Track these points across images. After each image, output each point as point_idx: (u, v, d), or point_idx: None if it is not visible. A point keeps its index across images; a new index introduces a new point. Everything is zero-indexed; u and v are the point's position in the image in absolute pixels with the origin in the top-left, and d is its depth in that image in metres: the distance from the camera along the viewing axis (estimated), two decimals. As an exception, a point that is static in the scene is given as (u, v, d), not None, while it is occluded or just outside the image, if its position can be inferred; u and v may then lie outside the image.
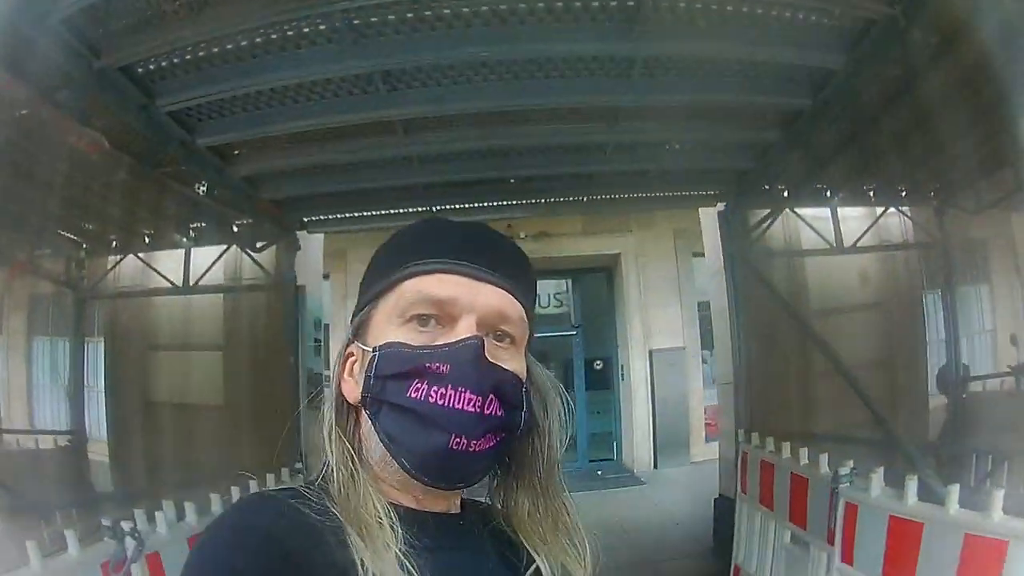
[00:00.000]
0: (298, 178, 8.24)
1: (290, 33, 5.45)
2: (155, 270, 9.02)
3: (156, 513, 4.57)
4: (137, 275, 9.08)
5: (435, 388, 1.13)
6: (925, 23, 5.19)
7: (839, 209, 8.75)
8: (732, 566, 7.42)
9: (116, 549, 3.99)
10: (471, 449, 1.14)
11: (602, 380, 17.34)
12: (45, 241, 8.56)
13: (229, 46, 5.58)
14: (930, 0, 5.06)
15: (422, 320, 1.18)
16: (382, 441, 1.17)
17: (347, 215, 9.49)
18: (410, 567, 1.06)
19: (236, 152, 7.44)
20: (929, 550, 4.34)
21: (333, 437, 1.21)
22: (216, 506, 5.30)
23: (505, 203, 9.51)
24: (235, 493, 5.23)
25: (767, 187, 8.77)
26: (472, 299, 1.18)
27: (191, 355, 9.08)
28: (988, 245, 8.72)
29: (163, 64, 5.73)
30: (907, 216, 8.83)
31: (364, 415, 1.21)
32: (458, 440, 1.12)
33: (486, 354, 1.17)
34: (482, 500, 1.38)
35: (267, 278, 9.28)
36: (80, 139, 5.93)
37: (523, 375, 1.25)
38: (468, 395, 1.13)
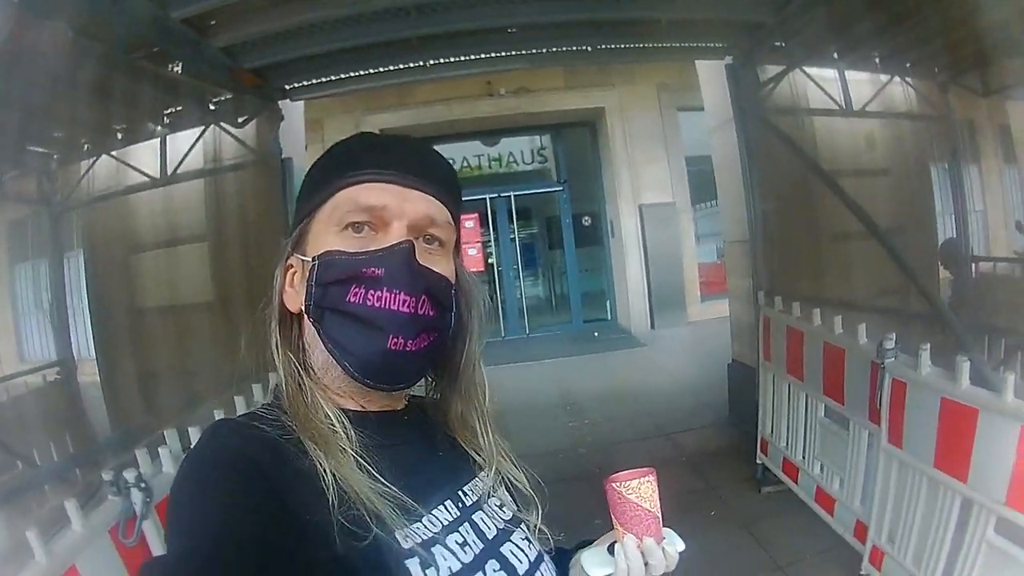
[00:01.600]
0: (279, 42, 7.75)
1: None
2: (130, 166, 8.55)
3: (160, 449, 4.17)
4: (112, 176, 8.64)
5: (372, 291, 1.20)
6: None
7: (848, 74, 8.46)
8: (758, 439, 7.22)
9: (124, 506, 3.62)
10: (407, 348, 1.21)
11: (591, 236, 17.21)
12: (11, 161, 8.13)
13: None
14: None
15: (356, 227, 1.25)
16: (326, 347, 1.24)
17: (330, 78, 8.97)
18: (367, 465, 1.15)
19: (212, 22, 6.99)
20: (984, 439, 4.14)
21: (280, 347, 1.28)
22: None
23: (498, 54, 9.10)
24: (239, 404, 4.96)
25: (781, 43, 8.39)
26: (402, 205, 1.25)
27: (176, 251, 8.66)
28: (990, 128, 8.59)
29: None
30: (911, 87, 8.62)
31: (307, 323, 1.28)
32: (395, 340, 1.19)
33: (417, 257, 1.24)
34: (423, 396, 1.45)
35: (250, 154, 8.87)
36: (41, 34, 5.48)
37: (452, 277, 1.32)
38: (402, 296, 1.20)
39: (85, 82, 6.68)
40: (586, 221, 17.23)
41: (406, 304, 1.20)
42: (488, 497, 1.35)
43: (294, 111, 9.36)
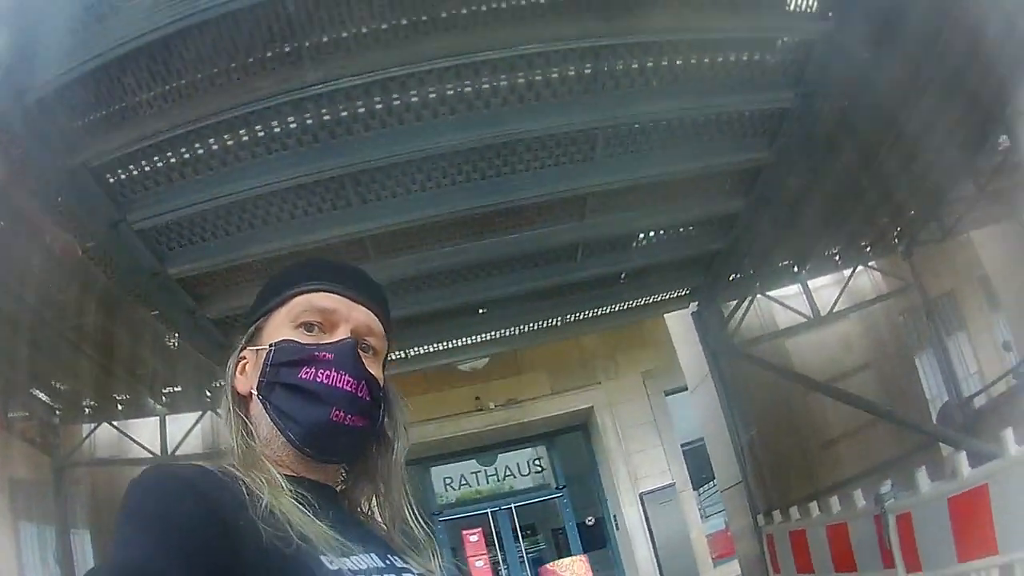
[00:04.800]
0: None
1: (261, 133, 5.50)
2: (131, 438, 8.87)
3: None
4: (114, 444, 8.99)
5: (321, 371, 1.38)
6: (861, 31, 5.42)
7: (810, 282, 8.91)
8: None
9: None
10: (346, 423, 1.37)
11: (597, 538, 16.95)
12: (19, 402, 8.27)
13: (200, 149, 5.56)
14: (859, 4, 5.32)
15: (308, 326, 1.44)
16: (271, 419, 1.39)
17: None
18: (302, 505, 1.25)
19: (205, 291, 7.35)
20: (1002, 503, 4.25)
21: (232, 420, 1.43)
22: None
23: (479, 338, 9.50)
24: None
25: (735, 275, 8.91)
26: (348, 313, 1.46)
27: None
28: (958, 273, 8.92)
29: (133, 172, 5.68)
30: (876, 269, 9.04)
31: (254, 402, 1.43)
32: (338, 413, 1.36)
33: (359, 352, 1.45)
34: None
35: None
36: (55, 240, 5.81)
37: (382, 381, 1.49)
38: (347, 378, 1.38)
39: (89, 319, 6.95)
40: (590, 522, 16.99)
41: (349, 384, 1.38)
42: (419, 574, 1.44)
43: None
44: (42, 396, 8.51)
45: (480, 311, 8.93)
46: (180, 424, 9.01)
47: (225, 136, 5.52)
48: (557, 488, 17.22)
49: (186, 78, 5.02)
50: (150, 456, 8.77)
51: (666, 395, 15.90)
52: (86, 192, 5.59)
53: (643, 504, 15.30)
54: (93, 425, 8.82)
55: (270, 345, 1.43)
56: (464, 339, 9.31)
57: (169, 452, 8.82)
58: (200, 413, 9.01)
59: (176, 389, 8.81)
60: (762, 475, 8.65)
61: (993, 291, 8.72)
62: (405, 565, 1.40)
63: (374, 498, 1.54)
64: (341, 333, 1.44)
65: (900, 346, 9.21)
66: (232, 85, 5.09)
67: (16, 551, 8.51)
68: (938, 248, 8.50)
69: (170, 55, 4.84)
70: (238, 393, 1.47)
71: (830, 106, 6.21)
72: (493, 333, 9.53)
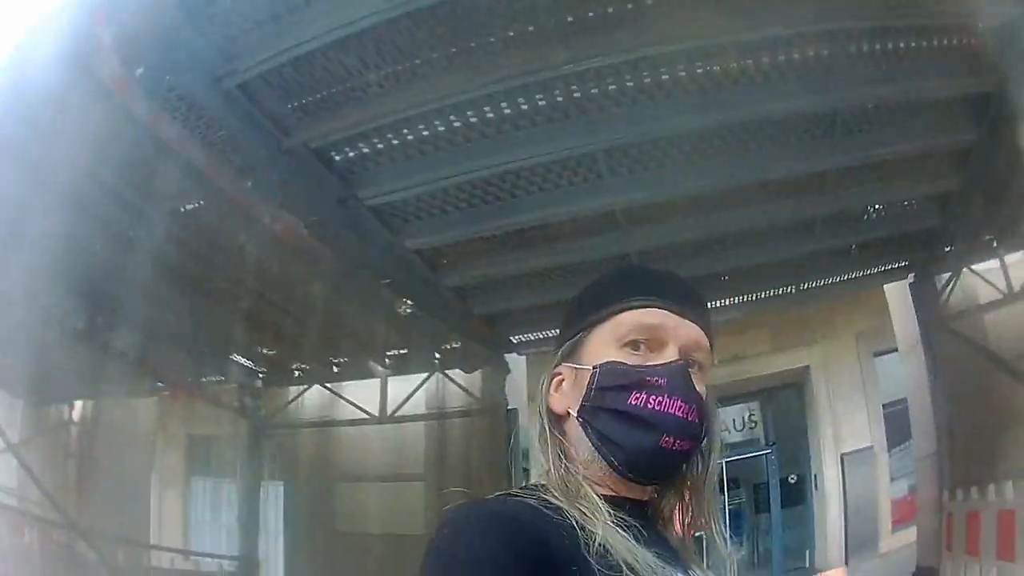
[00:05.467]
0: (511, 289, 8.16)
1: (507, 111, 5.53)
2: (348, 400, 9.07)
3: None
4: (327, 405, 9.16)
5: (653, 396, 1.34)
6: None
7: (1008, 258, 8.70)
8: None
9: None
10: (675, 448, 1.34)
11: (797, 495, 17.18)
12: (213, 365, 8.34)
13: (440, 127, 5.58)
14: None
15: (634, 345, 1.40)
16: (592, 443, 1.37)
17: (555, 333, 9.43)
18: (625, 535, 1.25)
19: (444, 260, 7.42)
20: None
21: (549, 441, 1.42)
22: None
23: (720, 303, 9.93)
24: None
25: (948, 248, 9.13)
26: (676, 330, 1.41)
27: (392, 486, 8.98)
28: None
29: (364, 150, 5.72)
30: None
31: (571, 423, 1.41)
32: (667, 439, 1.33)
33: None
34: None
35: (475, 403, 9.21)
36: (276, 222, 5.73)
37: (706, 396, 1.44)
38: (679, 403, 1.34)
39: (309, 292, 7.05)
40: (792, 480, 17.17)
41: (681, 410, 1.33)
42: None
43: (518, 364, 9.70)
44: (244, 361, 8.69)
45: (722, 278, 9.21)
46: (401, 386, 9.12)
47: (468, 113, 5.52)
48: (767, 444, 17.57)
49: (421, 58, 5.05)
50: (366, 417, 8.97)
51: (875, 356, 15.99)
52: (309, 171, 5.73)
53: (843, 465, 15.50)
54: (303, 388, 9.07)
55: (595, 366, 1.40)
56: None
57: (388, 413, 8.95)
58: (426, 375, 9.12)
59: (402, 352, 8.91)
60: (957, 450, 8.80)
61: None
62: None
63: (678, 505, 1.51)
64: (670, 352, 1.39)
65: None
66: (475, 63, 5.10)
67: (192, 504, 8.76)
68: None
69: (400, 36, 4.86)
70: (553, 411, 1.45)
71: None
72: (732, 299, 10.17)
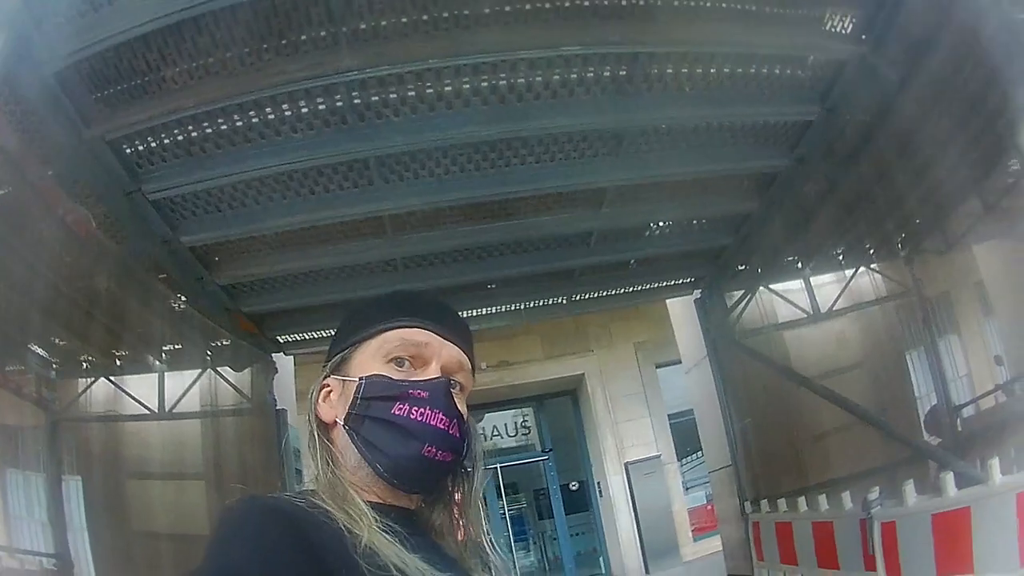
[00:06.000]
0: (279, 289, 8.18)
1: (288, 113, 5.52)
2: (129, 394, 8.87)
3: None
4: (111, 400, 8.92)
5: (416, 408, 1.42)
6: (892, 55, 5.57)
7: (815, 278, 9.10)
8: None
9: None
10: (436, 458, 1.42)
11: (580, 502, 17.41)
12: (14, 354, 8.17)
13: (223, 126, 5.57)
14: (894, 29, 5.42)
15: (399, 361, 1.48)
16: (359, 450, 1.43)
17: (319, 334, 9.35)
18: (391, 539, 1.30)
19: (216, 258, 7.41)
20: (982, 527, 4.45)
21: (318, 448, 1.48)
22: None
23: (487, 311, 9.61)
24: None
25: (741, 267, 9.07)
26: (440, 349, 1.50)
27: (173, 484, 8.86)
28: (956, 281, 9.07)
29: (152, 144, 5.68)
30: (878, 272, 9.20)
31: (339, 431, 1.48)
32: (430, 449, 1.41)
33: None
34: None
35: (246, 402, 9.19)
36: (69, 213, 5.79)
37: (467, 417, 1.53)
38: (441, 416, 1.43)
39: (94, 284, 7.02)
40: (573, 487, 17.46)
41: (442, 422, 1.43)
42: None
43: (286, 364, 9.74)
44: (40, 351, 8.48)
45: (490, 287, 9.03)
46: (178, 381, 9.02)
47: (251, 114, 5.53)
48: (543, 451, 17.54)
49: (215, 56, 5.04)
50: (147, 412, 8.79)
51: (657, 368, 16.13)
52: (103, 164, 5.61)
53: (628, 473, 15.60)
54: (91, 380, 8.81)
55: (361, 378, 1.47)
56: (470, 311, 9.33)
57: (166, 409, 8.85)
58: (199, 371, 9.06)
59: (177, 347, 8.90)
60: (752, 463, 8.87)
61: (988, 301, 8.85)
62: None
63: (447, 519, 1.57)
64: (432, 370, 1.48)
65: (894, 347, 9.35)
66: (263, 65, 5.10)
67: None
68: (939, 256, 8.70)
69: (199, 34, 4.85)
70: (321, 420, 1.51)
71: (853, 121, 6.32)
72: (499, 307, 9.65)
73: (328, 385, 1.54)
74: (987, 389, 8.41)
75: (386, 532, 1.30)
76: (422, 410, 1.42)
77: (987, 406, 8.30)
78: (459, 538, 1.56)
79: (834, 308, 8.98)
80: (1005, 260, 8.50)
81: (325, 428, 1.51)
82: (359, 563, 1.21)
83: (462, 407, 1.51)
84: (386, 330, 1.51)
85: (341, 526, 1.27)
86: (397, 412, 1.42)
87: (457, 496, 1.58)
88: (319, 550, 1.21)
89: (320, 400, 1.53)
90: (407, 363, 1.49)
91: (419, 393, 1.44)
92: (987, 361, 8.73)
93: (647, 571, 15.22)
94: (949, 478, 4.82)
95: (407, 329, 1.50)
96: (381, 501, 1.42)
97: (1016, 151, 6.59)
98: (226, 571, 1.14)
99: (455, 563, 1.46)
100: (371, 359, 1.50)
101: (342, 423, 1.47)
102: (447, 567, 1.37)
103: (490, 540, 1.57)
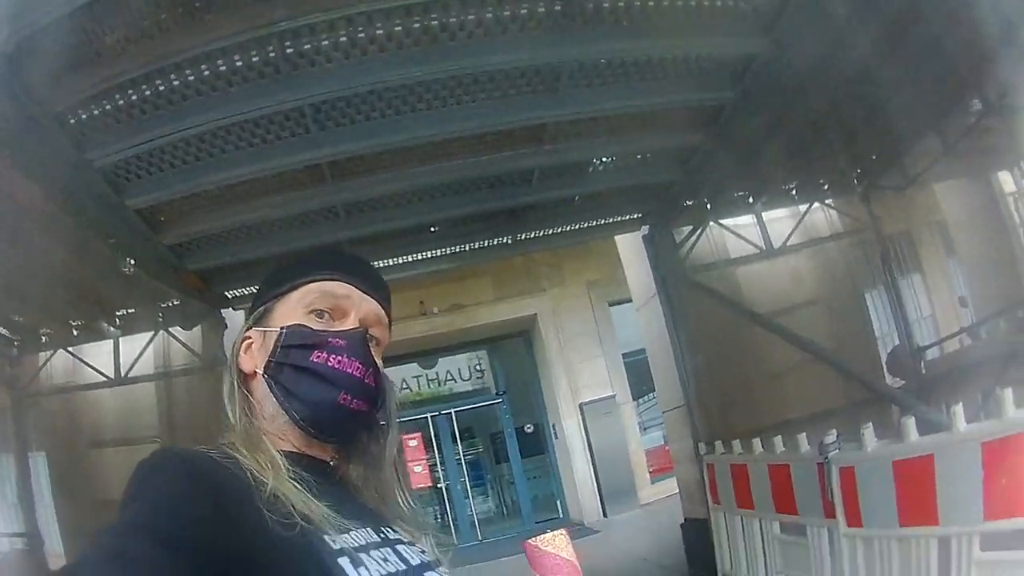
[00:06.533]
0: (224, 244, 8.17)
1: (222, 68, 5.45)
2: (86, 363, 8.94)
3: None
4: (70, 371, 9.05)
5: (333, 356, 1.45)
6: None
7: (768, 214, 9.03)
8: (719, 576, 7.20)
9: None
10: (351, 407, 1.45)
11: (535, 445, 17.40)
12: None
13: (161, 86, 5.52)
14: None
15: (319, 313, 1.52)
16: (276, 398, 1.45)
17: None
18: (300, 487, 1.30)
19: (162, 218, 7.39)
20: (947, 476, 4.35)
21: (236, 398, 1.49)
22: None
23: (432, 254, 9.54)
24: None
25: (690, 202, 8.92)
26: (360, 303, 1.55)
27: (132, 449, 8.69)
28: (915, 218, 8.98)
29: (94, 112, 5.66)
30: (833, 208, 9.14)
31: (258, 381, 1.50)
32: (345, 396, 1.44)
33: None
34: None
35: (197, 361, 9.21)
36: (13, 184, 5.74)
37: (383, 372, 1.57)
38: (357, 364, 1.46)
39: (48, 258, 6.96)
40: (528, 429, 17.43)
41: (358, 370, 1.45)
42: (409, 543, 1.49)
43: (236, 320, 9.55)
44: (2, 330, 8.65)
45: (432, 229, 8.98)
46: (133, 346, 9.07)
47: (187, 72, 5.47)
48: (497, 394, 17.56)
49: (150, 19, 4.96)
50: (104, 379, 8.84)
51: (610, 306, 16.06)
52: (49, 137, 5.57)
53: (583, 415, 15.65)
54: (50, 353, 8.92)
55: (282, 328, 1.49)
56: (414, 255, 9.32)
57: (123, 374, 8.87)
58: (152, 333, 9.09)
59: (130, 311, 8.91)
60: (705, 403, 8.78)
61: (951, 241, 8.82)
62: (398, 536, 1.46)
63: (365, 474, 1.57)
64: (351, 322, 1.51)
65: (851, 284, 9.34)
66: (197, 23, 5.03)
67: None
68: (897, 194, 8.65)
69: None
70: (242, 371, 1.52)
71: (803, 54, 6.11)
72: (444, 250, 9.59)
73: (250, 337, 1.55)
74: (952, 331, 8.42)
75: (295, 480, 1.30)
76: (339, 358, 1.45)
77: (952, 349, 8.32)
78: (375, 493, 1.57)
79: (788, 244, 8.93)
80: (969, 200, 8.50)
81: (245, 378, 1.52)
82: (262, 511, 1.21)
83: (379, 360, 1.55)
84: (307, 283, 1.53)
85: (250, 475, 1.28)
86: (315, 360, 1.44)
87: (373, 451, 1.58)
88: (224, 499, 1.19)
89: (242, 352, 1.54)
90: (327, 315, 1.51)
91: (337, 342, 1.47)
92: (951, 302, 8.75)
93: (604, 515, 15.29)
94: (911, 423, 4.71)
95: (328, 282, 1.53)
96: (296, 450, 1.44)
97: (979, 92, 6.49)
98: (133, 524, 1.12)
99: (371, 515, 1.47)
100: (292, 311, 1.52)
101: (262, 372, 1.48)
102: (356, 516, 1.39)
103: (404, 492, 1.60)
